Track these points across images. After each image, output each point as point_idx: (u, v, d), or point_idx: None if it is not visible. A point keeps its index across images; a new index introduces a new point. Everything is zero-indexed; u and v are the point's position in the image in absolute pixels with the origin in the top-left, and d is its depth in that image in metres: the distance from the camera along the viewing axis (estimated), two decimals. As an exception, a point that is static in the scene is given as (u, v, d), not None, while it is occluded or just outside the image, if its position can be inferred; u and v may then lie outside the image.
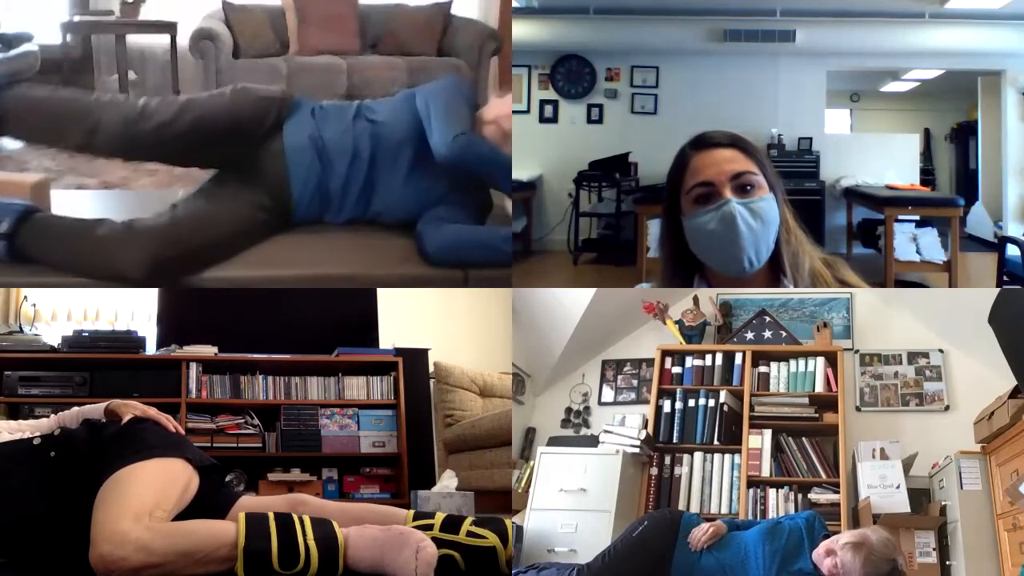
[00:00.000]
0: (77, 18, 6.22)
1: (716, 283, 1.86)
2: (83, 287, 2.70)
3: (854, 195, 6.49)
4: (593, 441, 3.78)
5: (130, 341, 4.40)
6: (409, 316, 5.19)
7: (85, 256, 2.66)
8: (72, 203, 3.00)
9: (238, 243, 2.87)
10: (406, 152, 2.99)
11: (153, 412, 2.21)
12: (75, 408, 2.29)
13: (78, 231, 2.70)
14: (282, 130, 2.96)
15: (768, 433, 3.77)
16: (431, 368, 5.02)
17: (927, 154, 9.66)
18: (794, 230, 1.82)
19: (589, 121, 7.17)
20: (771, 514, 3.58)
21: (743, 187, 1.76)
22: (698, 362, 4.03)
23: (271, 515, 1.88)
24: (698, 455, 3.81)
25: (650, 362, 4.14)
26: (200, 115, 2.90)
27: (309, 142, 2.95)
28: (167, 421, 2.21)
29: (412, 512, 2.09)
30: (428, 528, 1.95)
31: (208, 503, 2.06)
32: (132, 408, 2.20)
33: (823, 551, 2.46)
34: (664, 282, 1.92)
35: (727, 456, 3.79)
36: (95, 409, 2.25)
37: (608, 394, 4.33)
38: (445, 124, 2.91)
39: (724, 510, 3.64)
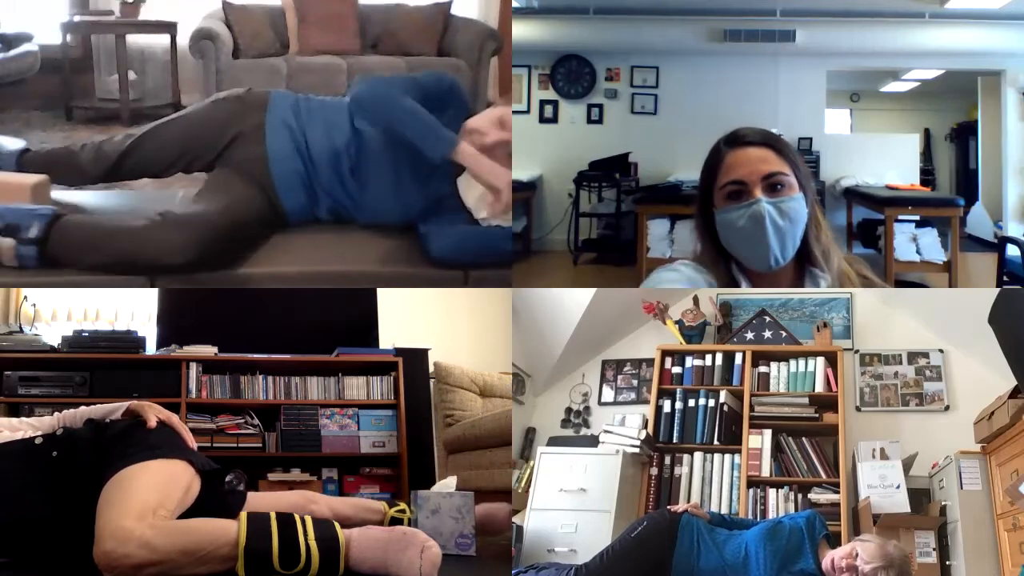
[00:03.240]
0: (77, 18, 6.23)
1: (750, 275, 1.90)
2: (83, 287, 2.69)
3: (854, 195, 6.50)
4: (593, 441, 3.78)
5: (130, 341, 4.39)
6: (409, 316, 5.19)
7: (124, 250, 2.64)
8: (72, 203, 3.00)
9: (252, 235, 2.89)
10: (402, 155, 2.95)
11: (176, 420, 2.21)
12: (83, 408, 2.28)
13: (112, 227, 2.69)
14: (263, 131, 2.97)
15: (768, 433, 3.77)
16: (431, 368, 5.02)
17: (927, 154, 9.67)
18: (824, 228, 1.88)
19: (589, 121, 7.17)
20: (771, 514, 3.58)
21: (773, 186, 1.81)
22: (698, 362, 4.03)
23: (272, 515, 1.88)
24: (698, 455, 3.82)
25: (650, 362, 4.14)
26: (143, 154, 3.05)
27: (293, 148, 2.95)
28: (185, 432, 2.21)
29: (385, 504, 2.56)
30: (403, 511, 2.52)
31: (209, 507, 2.06)
32: (157, 411, 2.19)
33: (843, 564, 2.45)
34: (712, 273, 1.94)
35: (727, 456, 3.79)
36: (110, 409, 2.23)
37: (608, 394, 4.33)
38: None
39: (724, 510, 3.63)
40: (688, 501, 3.67)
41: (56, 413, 2.30)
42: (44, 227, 2.64)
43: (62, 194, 3.08)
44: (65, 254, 2.66)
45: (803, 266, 1.88)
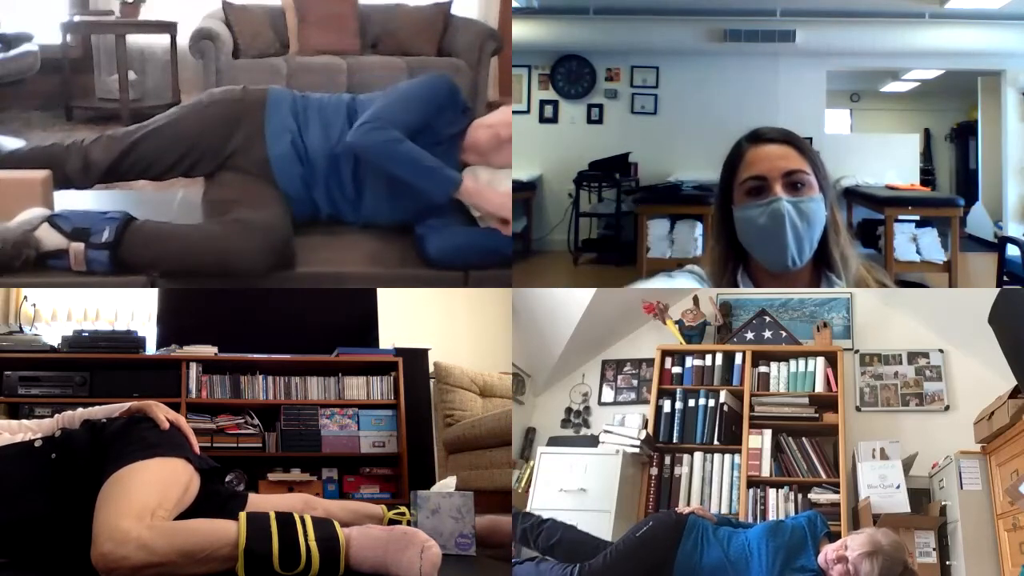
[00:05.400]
0: (77, 18, 6.22)
1: (760, 277, 1.89)
2: (83, 287, 2.68)
3: (854, 195, 6.49)
4: (593, 441, 3.78)
5: (130, 341, 4.39)
6: (409, 316, 5.19)
7: (202, 255, 2.65)
8: (73, 202, 2.99)
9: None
10: None
11: (183, 422, 2.20)
12: (81, 410, 2.28)
13: (187, 232, 2.71)
14: (264, 133, 2.96)
15: (768, 433, 3.77)
16: (431, 368, 5.02)
17: (927, 154, 9.66)
18: (842, 231, 1.87)
19: (589, 121, 7.17)
20: (771, 514, 3.58)
21: (794, 185, 1.82)
22: (698, 362, 4.03)
23: (272, 515, 1.87)
24: (698, 455, 3.82)
25: (650, 362, 4.14)
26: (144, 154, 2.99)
27: (292, 149, 2.95)
28: (191, 433, 2.20)
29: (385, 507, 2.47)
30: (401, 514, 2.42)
31: (208, 506, 2.05)
32: (165, 412, 2.19)
33: (834, 556, 2.45)
34: (715, 277, 1.94)
35: (727, 456, 3.79)
36: (110, 410, 2.23)
37: (608, 394, 4.33)
38: (369, 112, 2.89)
39: (724, 510, 3.64)
40: (688, 501, 3.67)
41: (57, 415, 2.29)
42: (117, 231, 2.62)
43: (61, 195, 3.06)
44: (139, 259, 2.65)
45: (819, 270, 1.88)
